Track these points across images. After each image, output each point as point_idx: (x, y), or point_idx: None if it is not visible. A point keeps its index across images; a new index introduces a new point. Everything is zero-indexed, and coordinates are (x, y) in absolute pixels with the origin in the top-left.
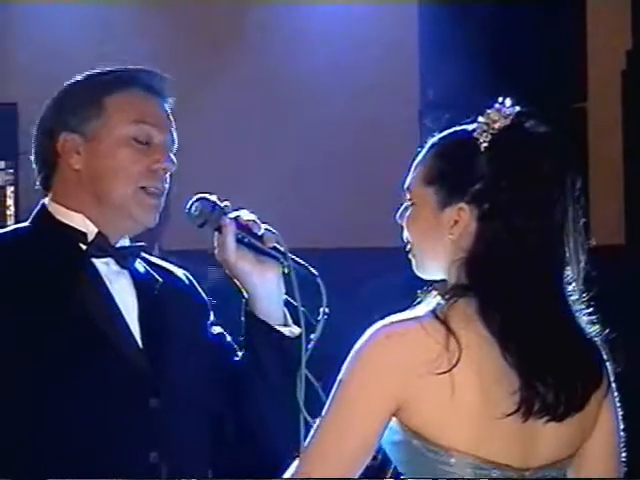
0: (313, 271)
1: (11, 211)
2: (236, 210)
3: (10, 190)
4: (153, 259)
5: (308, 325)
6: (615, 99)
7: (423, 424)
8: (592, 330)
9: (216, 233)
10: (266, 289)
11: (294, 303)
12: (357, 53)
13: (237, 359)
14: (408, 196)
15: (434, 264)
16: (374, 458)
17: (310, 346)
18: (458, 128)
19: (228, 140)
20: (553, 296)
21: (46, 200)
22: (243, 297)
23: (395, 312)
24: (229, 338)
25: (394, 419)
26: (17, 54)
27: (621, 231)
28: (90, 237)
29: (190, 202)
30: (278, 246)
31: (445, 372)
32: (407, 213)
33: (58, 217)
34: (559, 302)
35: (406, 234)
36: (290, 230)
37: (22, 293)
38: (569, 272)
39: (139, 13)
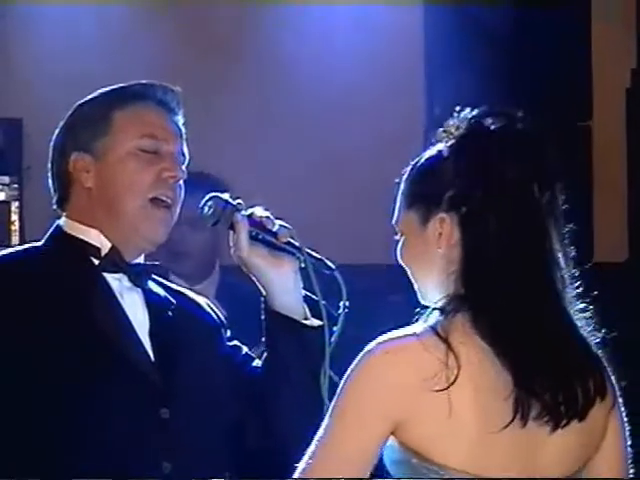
0: (330, 264)
1: (16, 226)
2: (250, 207)
3: (15, 205)
4: (172, 285)
5: (329, 318)
6: (620, 117)
7: (421, 442)
8: (591, 335)
9: (230, 232)
10: (283, 284)
11: (314, 298)
12: (362, 67)
13: (254, 367)
14: (397, 230)
15: (433, 284)
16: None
17: (333, 339)
18: (425, 152)
19: (228, 145)
20: (544, 298)
21: (61, 220)
22: (262, 296)
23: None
24: (245, 349)
25: (392, 437)
26: (22, 69)
27: (624, 248)
28: (104, 252)
29: (203, 201)
30: (293, 241)
31: (443, 389)
32: (399, 245)
33: (73, 233)
34: (550, 303)
35: (403, 265)
36: None
37: (34, 308)
38: (560, 270)
39: (146, 17)
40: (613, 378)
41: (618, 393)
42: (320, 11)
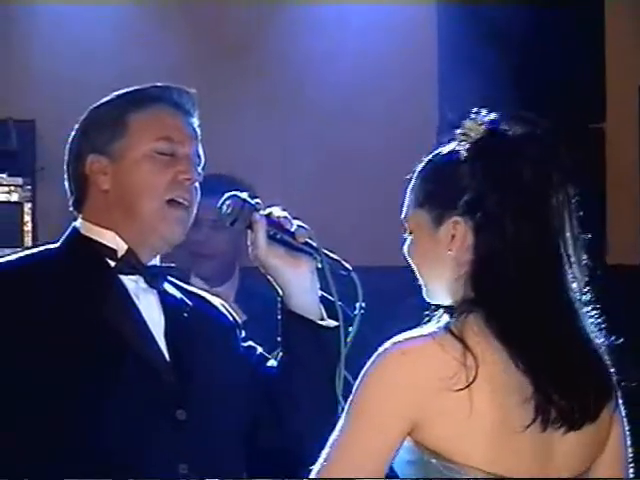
0: (347, 266)
1: (29, 227)
2: (268, 207)
3: (28, 207)
4: (188, 287)
5: (345, 319)
6: (633, 119)
7: (439, 442)
8: (601, 341)
9: (248, 231)
10: (300, 285)
11: (330, 298)
12: (375, 67)
13: (270, 367)
14: (406, 226)
15: (441, 286)
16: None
17: (349, 339)
18: (440, 148)
19: (242, 147)
20: (557, 304)
21: (77, 222)
22: (279, 295)
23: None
24: (260, 350)
25: (408, 437)
26: (36, 70)
27: (638, 251)
28: (120, 254)
29: (221, 200)
30: (310, 241)
31: (463, 389)
32: (407, 242)
33: (89, 235)
34: (563, 309)
35: (410, 263)
36: None
37: (50, 309)
38: (573, 274)
39: (159, 17)
40: (615, 378)
41: (619, 393)
42: (333, 11)
